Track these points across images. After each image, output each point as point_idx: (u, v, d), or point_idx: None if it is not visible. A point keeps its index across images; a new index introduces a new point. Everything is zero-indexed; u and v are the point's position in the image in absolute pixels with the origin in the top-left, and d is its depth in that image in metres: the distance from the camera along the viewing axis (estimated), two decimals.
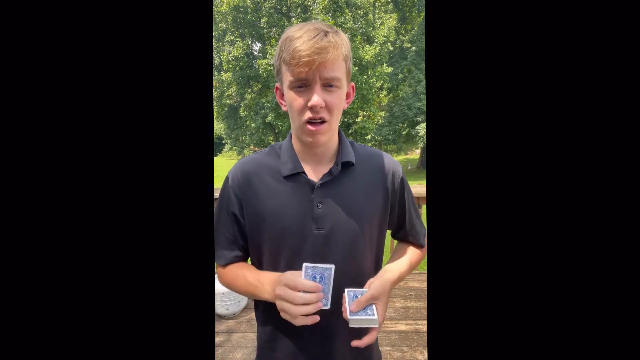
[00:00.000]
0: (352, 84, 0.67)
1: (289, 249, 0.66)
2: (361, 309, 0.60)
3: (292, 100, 0.61)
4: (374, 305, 0.62)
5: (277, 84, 0.68)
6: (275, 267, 0.67)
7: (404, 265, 0.73)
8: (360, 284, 0.65)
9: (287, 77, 0.60)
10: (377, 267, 0.76)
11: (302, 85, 0.59)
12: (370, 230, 0.69)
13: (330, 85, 0.60)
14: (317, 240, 0.65)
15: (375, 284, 0.63)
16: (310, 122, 0.60)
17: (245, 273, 0.68)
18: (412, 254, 0.77)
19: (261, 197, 0.67)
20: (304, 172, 0.66)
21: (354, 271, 0.68)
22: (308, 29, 0.58)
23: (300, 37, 0.57)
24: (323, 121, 0.61)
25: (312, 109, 0.59)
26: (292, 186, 0.66)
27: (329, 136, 0.64)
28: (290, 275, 0.58)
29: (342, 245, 0.66)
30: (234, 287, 0.71)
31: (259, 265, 0.71)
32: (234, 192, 0.69)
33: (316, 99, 0.58)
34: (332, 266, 0.59)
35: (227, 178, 0.71)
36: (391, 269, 0.69)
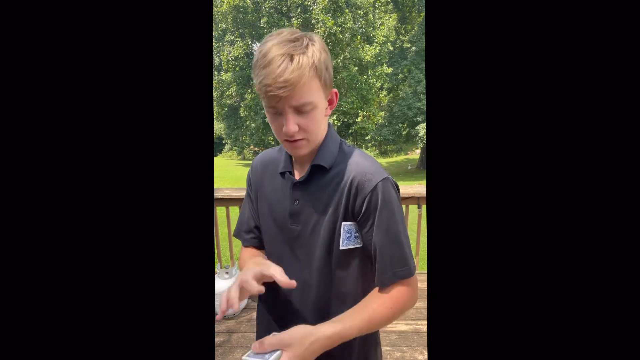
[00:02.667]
0: (334, 90, 0.66)
1: (272, 238, 0.73)
2: (265, 351, 0.52)
3: (270, 120, 0.63)
4: (280, 352, 0.53)
5: None
6: (266, 252, 0.77)
7: (357, 323, 0.59)
8: (323, 292, 0.66)
9: (262, 101, 0.61)
10: (357, 281, 0.69)
11: (275, 112, 0.60)
12: (329, 238, 0.65)
13: (304, 110, 0.59)
14: (292, 235, 0.69)
15: (296, 329, 0.56)
16: (288, 140, 0.62)
17: (246, 258, 0.76)
18: (377, 306, 0.62)
19: (263, 186, 0.75)
20: (290, 171, 0.70)
21: (315, 275, 0.67)
22: (275, 55, 0.55)
23: (266, 65, 0.55)
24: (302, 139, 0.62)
25: (287, 134, 0.60)
26: (282, 181, 0.72)
27: (310, 148, 0.65)
28: (244, 277, 0.60)
29: (308, 244, 0.68)
30: (240, 268, 0.77)
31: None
32: (249, 177, 0.79)
33: (289, 126, 0.59)
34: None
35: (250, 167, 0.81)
36: (334, 321, 0.59)
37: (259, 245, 0.80)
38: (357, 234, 0.66)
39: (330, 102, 0.66)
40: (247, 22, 15.14)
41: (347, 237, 0.66)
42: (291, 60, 0.55)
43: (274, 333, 0.56)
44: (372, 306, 0.63)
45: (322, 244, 0.66)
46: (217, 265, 2.29)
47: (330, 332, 0.56)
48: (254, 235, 0.78)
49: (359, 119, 15.85)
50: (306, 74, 0.56)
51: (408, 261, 0.64)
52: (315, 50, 0.58)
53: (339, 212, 0.65)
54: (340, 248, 0.65)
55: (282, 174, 0.71)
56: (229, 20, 15.32)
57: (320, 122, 0.64)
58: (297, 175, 0.71)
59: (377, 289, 0.66)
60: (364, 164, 0.66)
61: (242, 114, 16.71)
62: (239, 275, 0.61)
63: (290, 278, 0.66)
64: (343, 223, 0.65)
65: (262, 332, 0.78)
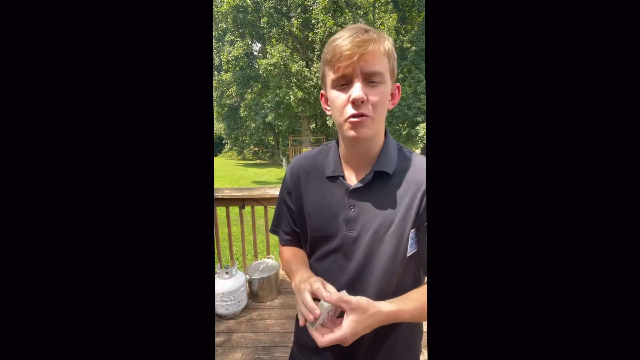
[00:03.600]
0: (398, 84, 0.66)
1: (322, 243, 0.71)
2: (332, 302, 0.57)
3: (334, 98, 0.61)
4: (333, 306, 0.57)
5: (322, 91, 0.69)
6: (312, 256, 0.75)
7: (411, 308, 0.63)
8: (382, 296, 0.65)
9: (330, 77, 0.61)
10: (412, 286, 0.71)
11: (344, 83, 0.60)
12: (397, 245, 0.66)
13: (373, 81, 0.59)
14: (347, 241, 0.68)
15: (362, 298, 0.59)
16: (352, 117, 0.60)
17: (292, 258, 0.77)
18: (426, 299, 0.66)
19: (306, 191, 0.73)
20: (342, 176, 0.69)
21: (374, 280, 0.67)
22: (349, 28, 0.60)
23: (341, 36, 0.59)
24: (366, 116, 0.60)
25: (354, 102, 0.58)
26: (331, 186, 0.70)
27: (373, 131, 0.63)
28: (305, 287, 0.60)
29: (367, 250, 0.67)
30: (283, 267, 0.80)
31: (305, 250, 0.79)
32: (288, 183, 0.77)
33: (357, 92, 0.58)
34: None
35: (287, 169, 0.80)
36: (392, 302, 0.63)
37: (297, 245, 0.82)
38: (415, 239, 0.67)
39: (392, 95, 0.65)
40: (247, 22, 15.14)
41: (412, 244, 0.67)
42: (366, 31, 0.58)
43: (344, 291, 0.59)
44: (425, 299, 0.65)
45: (386, 250, 0.66)
46: (217, 265, 2.29)
47: (389, 309, 0.60)
48: (292, 238, 0.81)
49: None
50: (381, 43, 0.58)
51: None
52: (386, 36, 0.61)
53: (408, 220, 0.65)
54: (408, 255, 0.66)
55: (332, 178, 0.70)
56: (229, 20, 15.31)
57: (385, 106, 0.63)
58: (351, 180, 0.69)
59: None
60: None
61: (242, 114, 16.73)
62: (304, 283, 0.61)
63: (341, 281, 0.67)
64: (411, 230, 0.65)
65: (301, 332, 0.79)
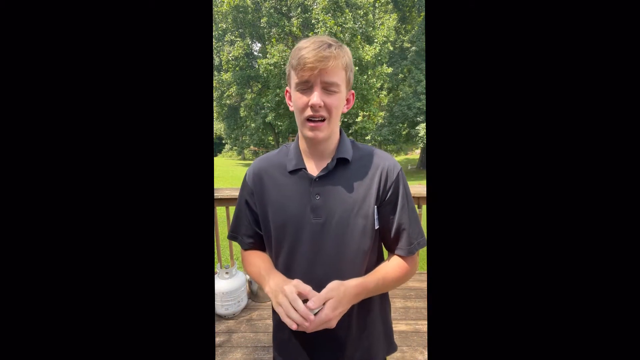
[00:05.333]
0: (352, 91, 0.77)
1: (290, 236, 0.75)
2: (316, 308, 0.64)
3: (296, 99, 0.70)
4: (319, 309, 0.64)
5: (287, 88, 0.77)
6: (279, 254, 0.77)
7: (374, 278, 0.73)
8: (352, 274, 0.72)
9: (294, 80, 0.69)
10: (376, 262, 0.79)
11: (306, 87, 0.68)
12: (364, 222, 0.73)
13: (330, 90, 0.68)
14: (315, 229, 0.73)
15: (329, 284, 0.67)
16: (310, 119, 0.69)
17: (259, 263, 0.80)
18: (390, 268, 0.76)
19: (268, 190, 0.77)
20: (304, 168, 0.75)
21: (348, 259, 0.73)
22: (314, 41, 0.67)
23: (307, 47, 0.66)
24: (322, 119, 0.69)
25: (312, 107, 0.67)
26: (294, 180, 0.75)
27: (328, 133, 0.72)
28: (291, 290, 0.64)
29: (336, 233, 0.73)
30: (249, 272, 0.83)
31: (269, 251, 0.81)
32: (249, 185, 0.81)
33: (316, 98, 0.67)
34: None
35: (246, 173, 0.83)
36: (359, 278, 0.72)
37: (259, 249, 0.86)
38: (377, 217, 0.75)
39: (347, 100, 0.76)
40: (247, 22, 15.15)
41: (377, 219, 0.75)
42: (329, 46, 0.67)
43: (313, 291, 0.66)
44: (386, 269, 0.76)
45: (356, 229, 0.73)
46: (217, 265, 2.29)
47: (355, 282, 0.69)
48: (254, 241, 0.84)
49: (359, 119, 15.85)
50: (340, 59, 0.67)
51: (423, 232, 0.77)
52: (347, 51, 0.71)
53: (371, 198, 0.73)
54: (376, 228, 0.75)
55: (294, 172, 0.75)
56: (229, 20, 15.32)
57: (339, 110, 0.72)
58: (313, 171, 0.75)
59: (393, 257, 0.78)
60: (385, 156, 0.78)
61: (242, 114, 16.72)
62: (284, 287, 0.65)
63: (315, 271, 0.73)
64: (374, 207, 0.74)
65: (281, 322, 0.81)
